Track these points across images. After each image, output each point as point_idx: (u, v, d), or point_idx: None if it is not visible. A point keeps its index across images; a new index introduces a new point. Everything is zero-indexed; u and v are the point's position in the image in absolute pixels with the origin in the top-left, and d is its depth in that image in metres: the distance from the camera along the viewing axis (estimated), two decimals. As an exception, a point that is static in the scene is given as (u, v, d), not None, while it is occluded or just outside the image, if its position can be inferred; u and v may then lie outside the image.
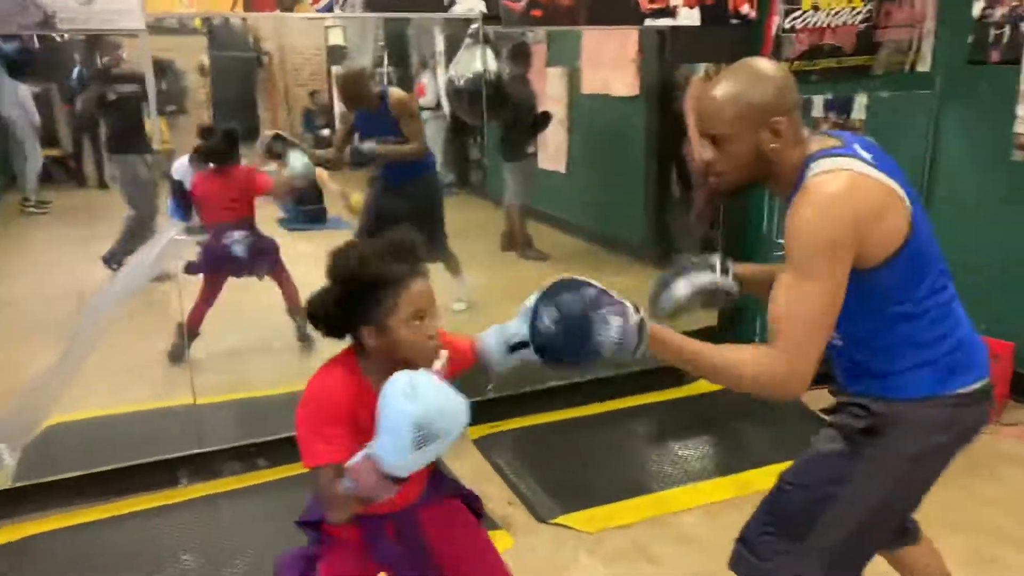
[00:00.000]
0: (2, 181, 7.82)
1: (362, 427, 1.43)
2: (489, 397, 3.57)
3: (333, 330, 1.53)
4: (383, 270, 1.47)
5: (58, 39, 4.01)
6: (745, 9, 3.54)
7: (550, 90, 6.30)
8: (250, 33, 7.88)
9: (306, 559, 1.67)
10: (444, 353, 1.48)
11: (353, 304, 1.48)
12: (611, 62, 5.71)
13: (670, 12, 3.41)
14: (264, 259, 4.08)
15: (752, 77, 1.57)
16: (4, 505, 2.87)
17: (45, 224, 7.17)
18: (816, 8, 3.51)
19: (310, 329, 3.93)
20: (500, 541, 2.74)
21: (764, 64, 1.61)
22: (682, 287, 1.85)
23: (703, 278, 1.85)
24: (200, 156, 4.00)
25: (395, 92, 4.43)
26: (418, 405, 1.32)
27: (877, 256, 1.50)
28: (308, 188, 6.59)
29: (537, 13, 3.19)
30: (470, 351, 1.66)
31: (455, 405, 1.37)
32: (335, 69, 8.07)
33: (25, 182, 7.52)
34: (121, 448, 3.18)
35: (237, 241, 3.96)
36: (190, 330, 3.82)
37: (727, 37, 3.52)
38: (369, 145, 4.18)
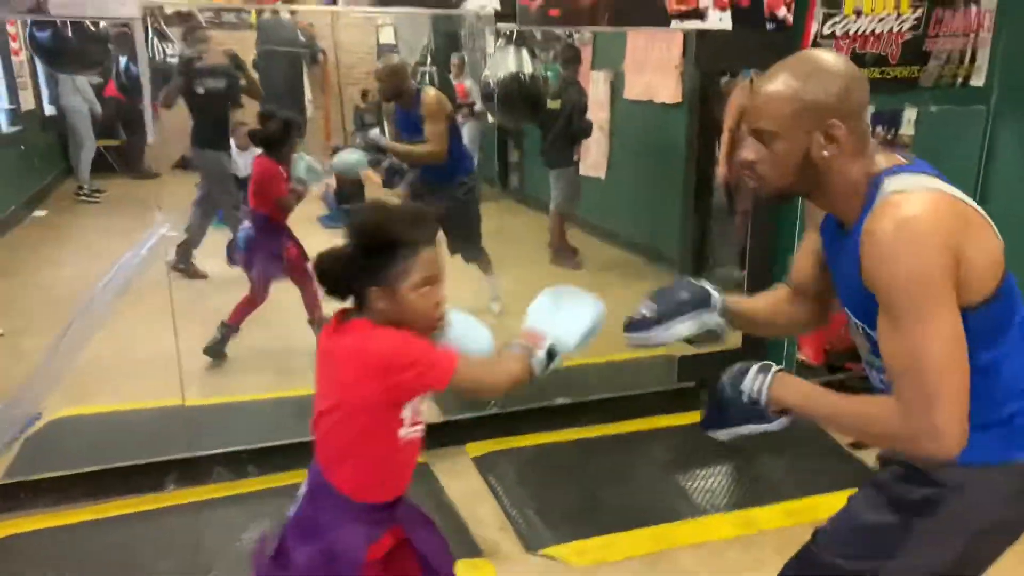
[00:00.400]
0: (60, 169, 8.00)
1: None
2: (492, 413, 3.43)
3: (340, 288, 1.52)
4: (400, 231, 1.47)
5: (92, 28, 3.97)
6: (782, 13, 3.31)
7: (593, 94, 6.13)
8: (299, 29, 7.85)
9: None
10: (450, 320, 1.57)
11: (367, 262, 1.47)
12: (655, 67, 5.51)
13: (699, 14, 3.21)
14: (272, 259, 3.93)
15: (813, 69, 1.35)
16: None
17: (96, 212, 7.28)
18: (859, 13, 3.28)
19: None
20: (481, 571, 2.60)
21: (830, 56, 1.39)
22: (687, 327, 1.64)
23: (710, 320, 1.65)
24: (254, 140, 3.95)
25: (429, 92, 4.36)
26: (554, 289, 1.68)
27: (972, 296, 1.29)
28: (352, 186, 6.60)
29: (555, 12, 3.03)
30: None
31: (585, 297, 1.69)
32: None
33: (79, 171, 7.69)
34: (111, 448, 3.11)
35: (242, 230, 3.94)
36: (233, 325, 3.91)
37: (761, 42, 3.29)
38: (375, 133, 4.10)
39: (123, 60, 6.54)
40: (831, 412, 1.41)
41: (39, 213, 6.97)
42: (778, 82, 1.36)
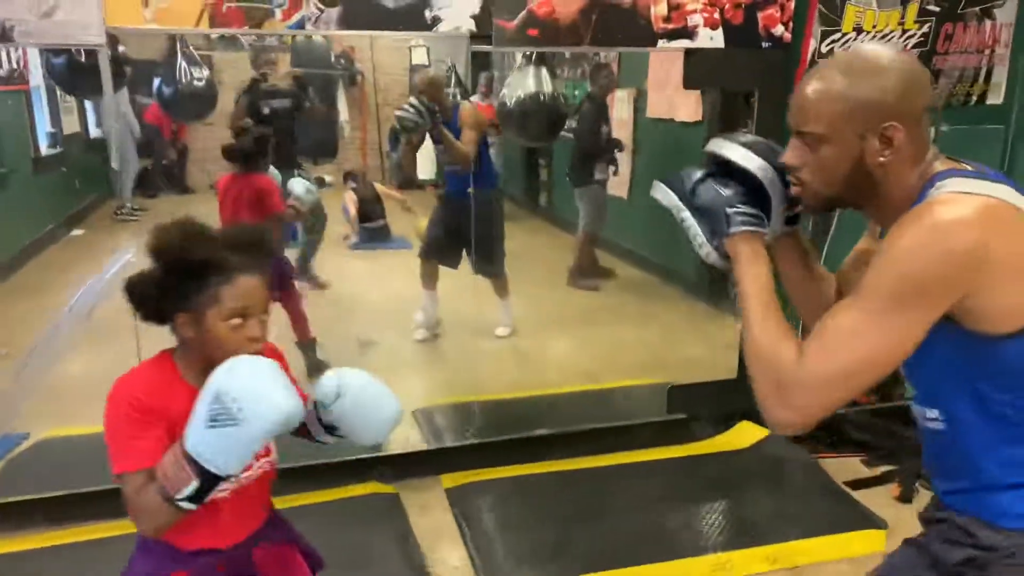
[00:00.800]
0: (102, 190, 8.22)
1: (177, 432, 1.29)
2: (474, 442, 3.34)
3: (149, 313, 1.38)
4: (208, 254, 1.34)
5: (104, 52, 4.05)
6: (779, 31, 3.16)
7: (617, 113, 6.04)
8: (341, 52, 7.98)
9: None
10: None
11: (175, 285, 1.34)
12: (676, 85, 5.37)
13: (688, 33, 3.09)
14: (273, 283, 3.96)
15: (868, 64, 1.20)
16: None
17: (134, 231, 7.43)
18: (859, 30, 3.12)
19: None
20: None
21: (886, 51, 1.24)
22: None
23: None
24: (226, 154, 3.93)
25: (466, 105, 4.50)
26: (226, 378, 1.22)
27: (1008, 319, 1.14)
28: (372, 203, 6.61)
29: (533, 32, 2.95)
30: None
31: (272, 394, 1.23)
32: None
33: (121, 190, 7.89)
34: (79, 473, 3.07)
35: None
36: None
37: (756, 61, 3.16)
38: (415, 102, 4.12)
39: (156, 82, 6.68)
40: (749, 312, 1.27)
41: (76, 232, 7.14)
42: (827, 78, 1.21)
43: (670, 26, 3.07)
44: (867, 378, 1.16)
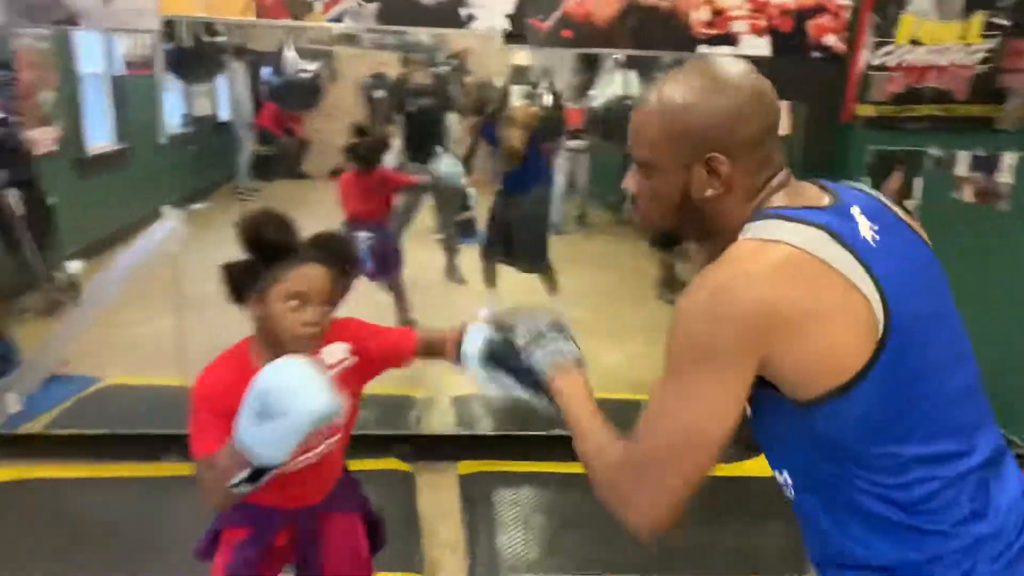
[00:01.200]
0: (229, 171, 8.80)
1: None
2: (500, 434, 3.40)
3: (233, 291, 1.52)
4: (279, 239, 1.47)
5: (208, 41, 4.36)
6: (831, 40, 3.05)
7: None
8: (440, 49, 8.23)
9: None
10: (335, 348, 1.53)
11: (247, 267, 1.48)
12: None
13: (731, 39, 3.04)
14: (381, 262, 4.18)
15: (699, 85, 1.08)
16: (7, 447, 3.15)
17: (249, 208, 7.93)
18: (915, 43, 2.97)
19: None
20: (409, 589, 2.58)
21: (727, 68, 1.10)
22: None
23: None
24: (347, 155, 4.20)
25: (516, 105, 4.51)
26: (269, 375, 1.29)
27: (808, 385, 1.00)
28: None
29: (567, 34, 2.98)
30: (406, 346, 1.66)
31: (308, 389, 1.29)
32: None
33: (240, 171, 8.44)
34: (139, 416, 3.39)
35: (361, 242, 4.11)
36: None
37: (805, 72, 3.07)
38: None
39: (264, 70, 7.05)
40: (576, 428, 1.23)
41: (197, 206, 7.67)
42: (656, 100, 1.10)
43: (712, 32, 3.02)
44: (697, 458, 1.04)
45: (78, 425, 3.33)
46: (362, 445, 3.26)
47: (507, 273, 4.72)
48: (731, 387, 1.02)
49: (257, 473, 1.32)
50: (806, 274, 0.99)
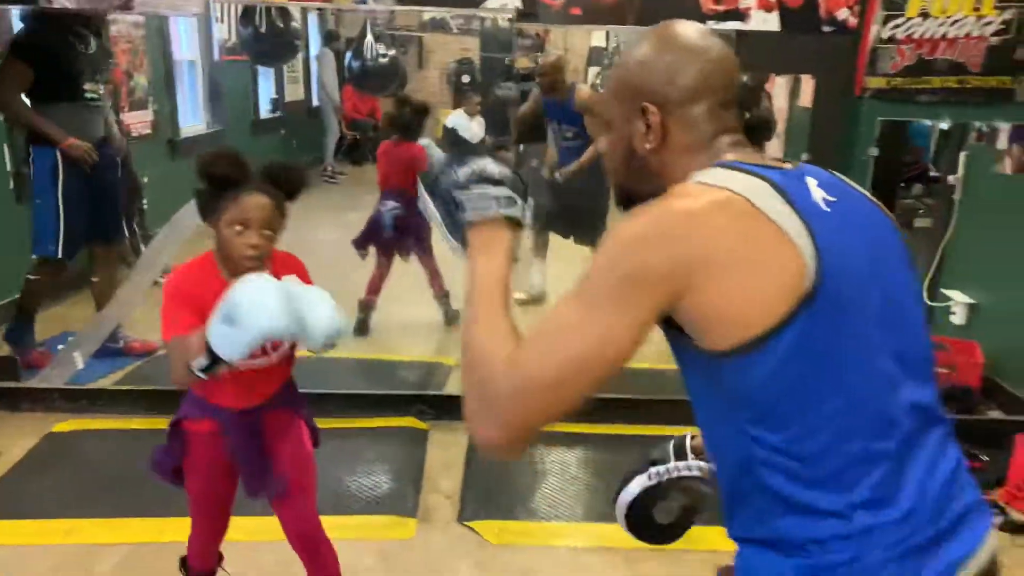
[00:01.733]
0: (318, 153, 9.23)
1: (208, 314, 1.59)
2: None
3: (200, 213, 1.77)
4: (226, 172, 1.69)
5: (281, 26, 4.68)
6: (843, 14, 3.06)
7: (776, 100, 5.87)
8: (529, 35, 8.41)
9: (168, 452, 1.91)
10: (292, 278, 1.64)
11: (206, 196, 1.72)
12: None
13: (740, 15, 3.08)
14: (410, 236, 4.33)
15: (650, 43, 1.11)
16: (73, 400, 3.49)
17: (335, 191, 8.29)
18: (925, 15, 2.94)
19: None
20: (400, 529, 2.77)
21: (682, 29, 1.12)
22: (628, 491, 1.39)
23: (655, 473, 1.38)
24: (387, 123, 4.39)
25: (582, 89, 4.65)
26: (239, 287, 1.51)
27: (719, 333, 0.97)
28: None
29: (576, 11, 3.10)
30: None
31: (268, 307, 1.50)
32: (592, 69, 8.29)
33: (324, 153, 8.83)
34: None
35: (387, 211, 4.29)
36: (368, 300, 4.35)
37: (816, 46, 3.08)
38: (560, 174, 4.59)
39: (347, 55, 7.28)
40: (469, 310, 1.10)
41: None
42: (620, 57, 1.16)
43: (720, 7, 3.08)
44: (577, 386, 1.00)
45: (136, 383, 3.60)
46: (386, 404, 3.53)
47: (556, 246, 4.87)
48: (641, 315, 0.99)
49: (213, 364, 1.55)
50: (741, 219, 0.98)
